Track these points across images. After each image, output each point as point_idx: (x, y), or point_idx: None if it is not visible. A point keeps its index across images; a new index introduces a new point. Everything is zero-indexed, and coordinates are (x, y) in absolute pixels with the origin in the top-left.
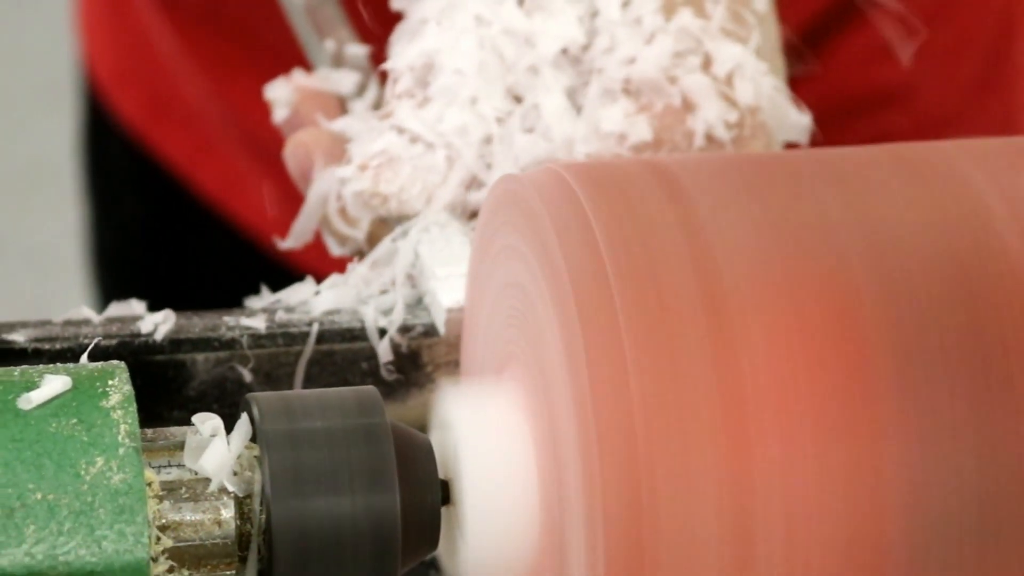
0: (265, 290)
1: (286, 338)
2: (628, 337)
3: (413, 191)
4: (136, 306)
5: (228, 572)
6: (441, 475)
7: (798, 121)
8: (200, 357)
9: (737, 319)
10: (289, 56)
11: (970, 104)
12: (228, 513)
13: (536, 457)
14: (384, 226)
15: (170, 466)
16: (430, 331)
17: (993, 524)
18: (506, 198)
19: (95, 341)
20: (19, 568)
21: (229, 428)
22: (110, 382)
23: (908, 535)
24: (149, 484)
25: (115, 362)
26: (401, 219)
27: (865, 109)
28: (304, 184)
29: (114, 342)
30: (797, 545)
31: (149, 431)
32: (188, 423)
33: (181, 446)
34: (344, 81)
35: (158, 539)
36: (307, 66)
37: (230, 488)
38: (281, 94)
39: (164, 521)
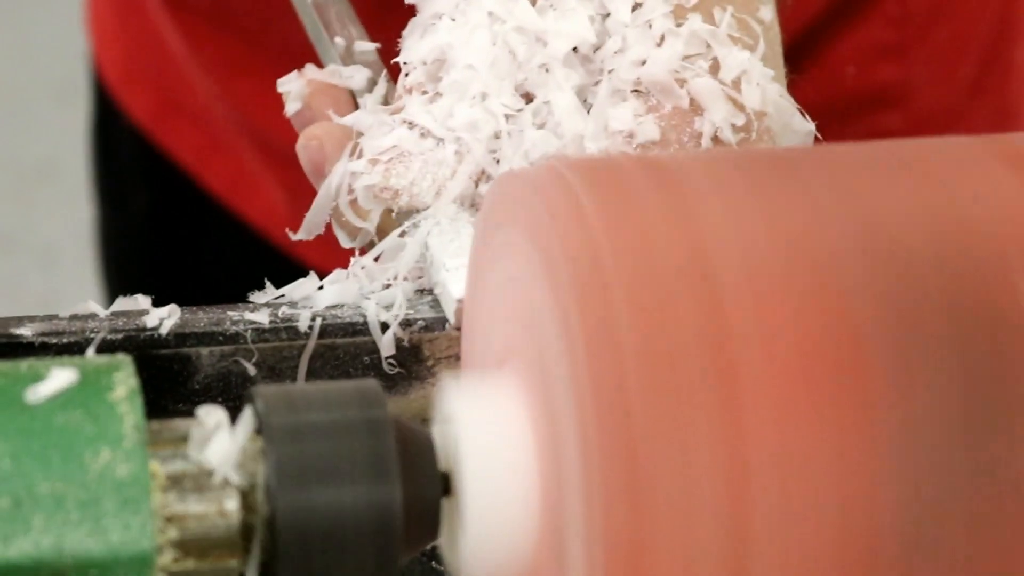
0: (269, 285)
1: (289, 332)
2: (625, 330)
3: (423, 185)
4: (142, 301)
5: (232, 562)
6: (442, 467)
7: (802, 127)
8: (205, 351)
9: (733, 312)
10: (297, 54)
11: (966, 104)
12: (232, 504)
13: (535, 449)
14: (393, 220)
15: (175, 458)
16: (431, 325)
17: (984, 518)
18: (506, 194)
19: (101, 335)
20: (26, 558)
21: (233, 421)
22: (116, 375)
23: (900, 529)
24: (154, 476)
25: (121, 356)
26: (411, 213)
27: (862, 109)
28: (316, 178)
29: (120, 336)
30: (791, 536)
31: (154, 423)
32: (193, 416)
33: (186, 438)
34: (355, 77)
35: (163, 530)
36: (316, 64)
37: (234, 480)
38: (293, 88)
39: (169, 512)
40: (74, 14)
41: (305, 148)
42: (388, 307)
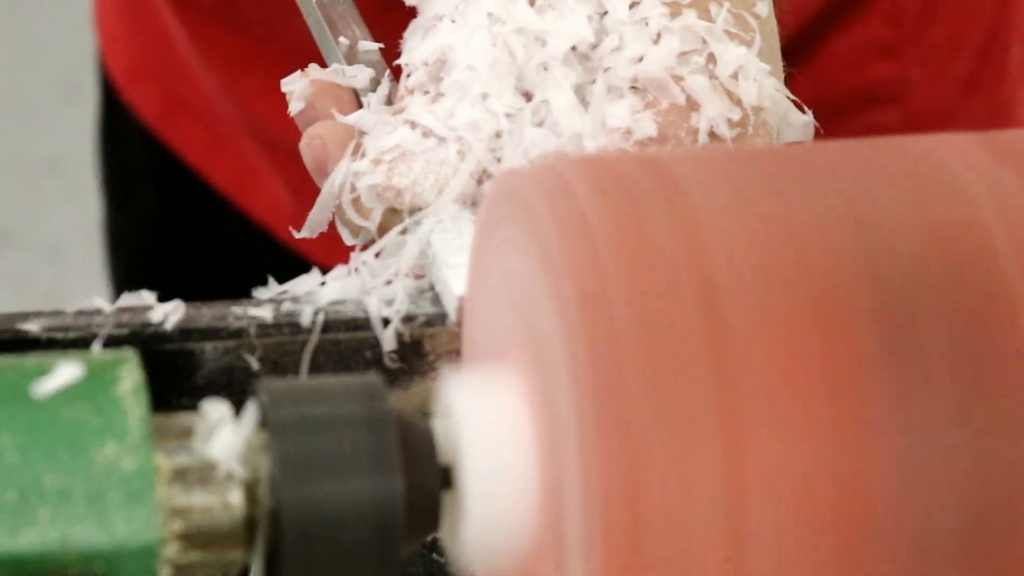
0: (272, 281)
1: (292, 328)
2: (623, 324)
3: (426, 184)
4: (147, 296)
5: (236, 554)
6: (443, 460)
7: (798, 120)
8: (209, 346)
9: (730, 310)
10: (302, 53)
11: (961, 102)
12: (236, 497)
13: (535, 442)
14: (396, 217)
15: (180, 451)
16: (432, 321)
17: (984, 517)
18: (506, 191)
19: (107, 330)
20: (33, 550)
21: (237, 415)
22: (121, 370)
23: (899, 532)
24: (159, 469)
25: (126, 350)
26: (414, 211)
27: (858, 106)
28: (319, 176)
29: (125, 331)
30: (787, 522)
31: (159, 417)
32: (197, 410)
33: (190, 432)
34: (359, 76)
35: (168, 522)
36: (320, 63)
37: (238, 473)
38: (296, 88)
39: (174, 505)
40: (82, 13)
41: (308, 147)
42: (389, 303)
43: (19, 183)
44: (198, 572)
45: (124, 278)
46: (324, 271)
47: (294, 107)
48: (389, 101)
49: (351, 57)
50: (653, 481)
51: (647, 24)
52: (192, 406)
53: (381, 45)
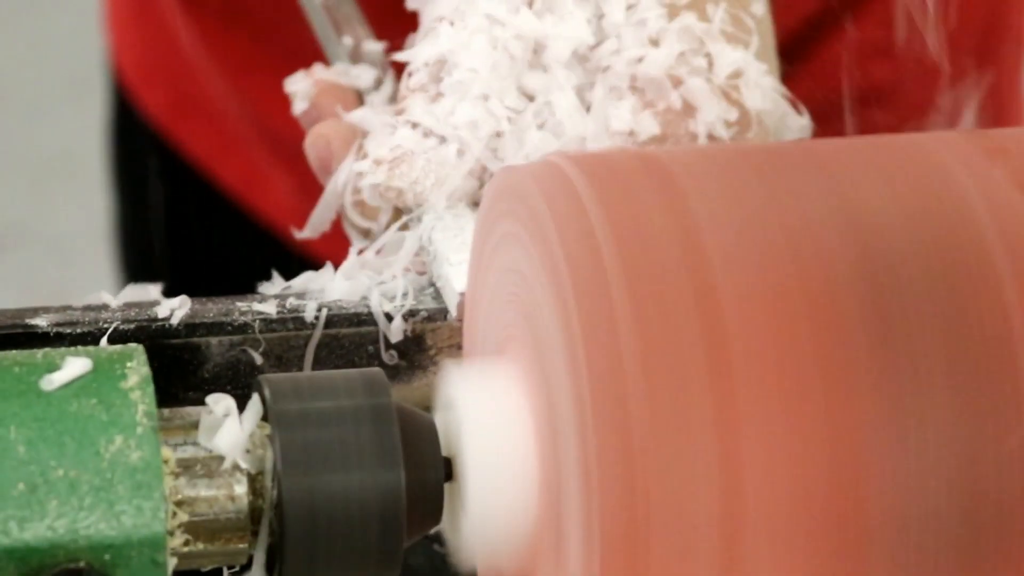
0: (277, 276)
1: (296, 322)
2: (621, 318)
3: (426, 183)
4: (153, 291)
5: (241, 545)
6: (444, 453)
7: (796, 123)
8: (214, 340)
9: (725, 302)
10: (307, 54)
11: (954, 101)
12: (241, 489)
13: (535, 435)
14: (398, 216)
15: (186, 444)
16: (434, 316)
17: (974, 508)
18: (506, 188)
19: (114, 325)
20: (42, 541)
21: (242, 408)
22: (128, 364)
23: (890, 523)
24: (166, 461)
25: (133, 345)
26: (416, 210)
27: (853, 107)
28: (324, 175)
29: (132, 326)
30: (782, 509)
31: (165, 411)
32: (203, 403)
33: (196, 425)
34: (362, 76)
35: (174, 514)
36: (324, 63)
37: (243, 465)
38: (301, 87)
39: (180, 497)
40: (90, 13)
41: (313, 146)
42: (391, 298)
43: (28, 180)
44: (203, 562)
45: (132, 274)
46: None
47: (298, 107)
48: (393, 100)
49: (355, 57)
50: (651, 474)
51: (645, 26)
52: (198, 400)
53: (385, 44)
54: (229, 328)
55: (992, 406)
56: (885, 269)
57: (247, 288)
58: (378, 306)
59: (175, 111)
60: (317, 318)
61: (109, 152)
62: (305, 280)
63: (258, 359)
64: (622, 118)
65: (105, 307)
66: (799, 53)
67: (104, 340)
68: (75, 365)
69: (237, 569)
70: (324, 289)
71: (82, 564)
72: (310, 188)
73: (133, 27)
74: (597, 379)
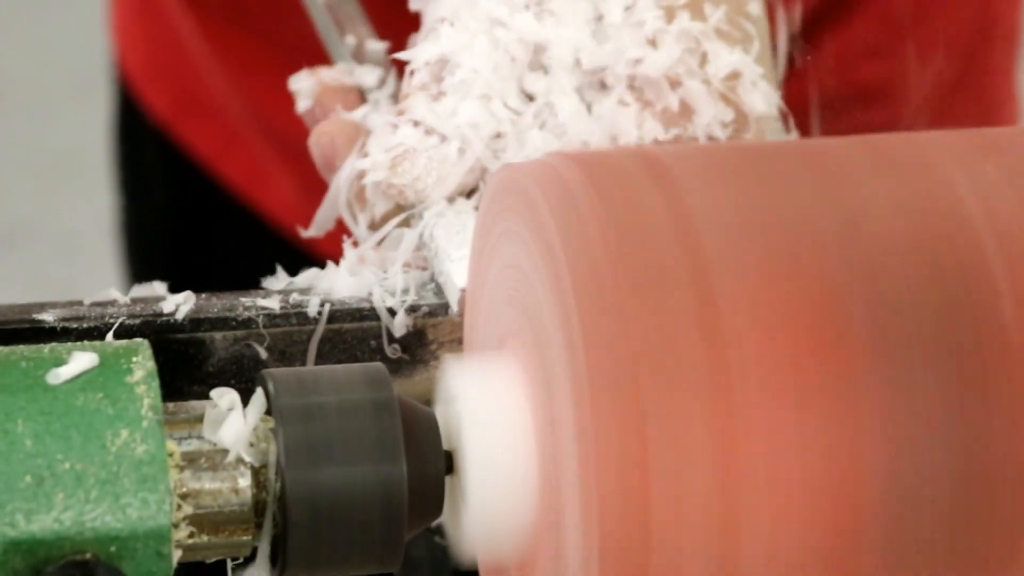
0: (280, 271)
1: (299, 318)
2: (619, 313)
3: (428, 181)
4: (158, 288)
5: (245, 537)
6: (445, 446)
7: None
8: (218, 335)
9: (723, 299)
10: (309, 53)
11: (948, 101)
12: (245, 482)
13: (534, 428)
14: (400, 211)
15: (190, 438)
16: (435, 311)
17: (964, 497)
18: (506, 185)
19: (120, 320)
20: (49, 533)
21: (246, 402)
22: (134, 359)
23: (884, 511)
24: (171, 455)
25: (139, 340)
26: (418, 207)
27: (847, 106)
28: (327, 172)
29: (138, 321)
30: (778, 500)
31: (171, 405)
32: (207, 397)
33: (201, 419)
34: (365, 75)
35: (179, 506)
36: (327, 63)
37: (247, 458)
38: (304, 86)
39: (185, 489)
40: (94, 14)
41: (317, 143)
42: (393, 293)
43: (35, 178)
44: (208, 554)
45: (137, 270)
46: (327, 263)
47: (302, 105)
48: (394, 99)
49: (358, 56)
50: (649, 467)
51: (643, 27)
52: (202, 394)
53: (387, 43)
54: (233, 323)
55: (985, 397)
56: (879, 264)
57: (250, 284)
58: (380, 301)
59: (179, 110)
60: (320, 313)
61: (114, 150)
62: (309, 277)
63: (262, 354)
64: (627, 131)
65: (111, 303)
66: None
67: (110, 335)
68: (81, 360)
69: (241, 561)
70: (336, 286)
71: (88, 556)
72: (313, 185)
73: (137, 27)
74: (595, 374)
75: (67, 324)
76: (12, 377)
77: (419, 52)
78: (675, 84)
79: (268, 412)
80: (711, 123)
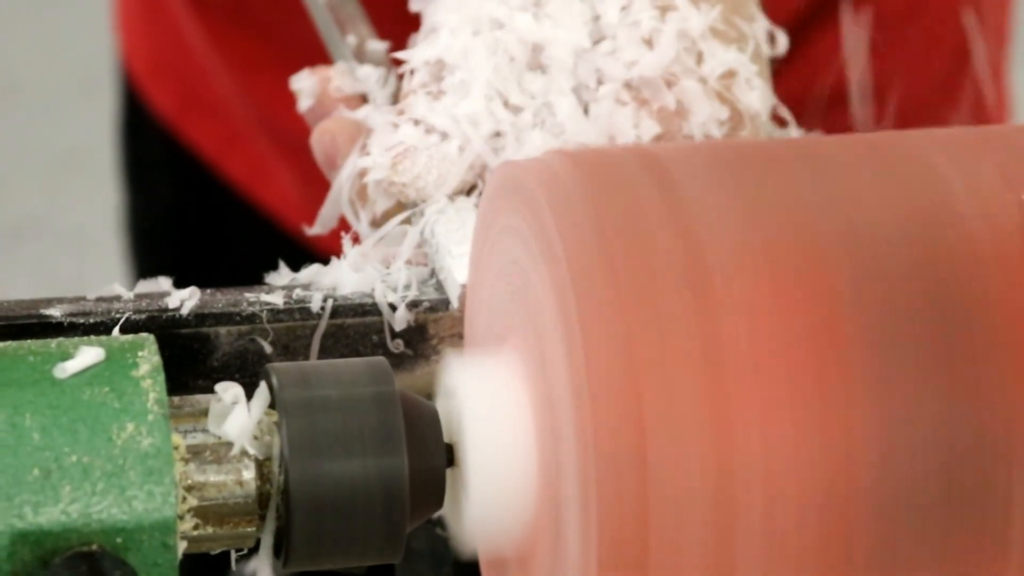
0: (283, 267)
1: (302, 313)
2: (619, 309)
3: (429, 179)
4: (163, 283)
5: (249, 529)
6: (446, 439)
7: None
8: (223, 330)
9: (719, 292)
10: (311, 53)
11: (939, 99)
12: (249, 474)
13: (534, 422)
14: (401, 210)
15: (195, 431)
16: (436, 306)
17: (956, 481)
18: (506, 182)
19: (126, 315)
20: (56, 525)
21: (250, 396)
22: (140, 353)
23: (877, 493)
24: (176, 448)
25: (144, 335)
26: (420, 205)
27: (841, 102)
28: (329, 170)
29: (143, 316)
30: (775, 500)
31: (176, 399)
32: (212, 391)
33: (205, 412)
34: (366, 74)
35: (184, 498)
36: (328, 62)
37: (251, 451)
38: (306, 85)
39: (190, 482)
40: (100, 13)
41: (319, 141)
42: (395, 289)
43: (42, 175)
44: (212, 546)
45: (142, 266)
46: (329, 260)
47: (303, 104)
48: (395, 99)
49: (359, 56)
50: (648, 461)
51: (638, 26)
52: (207, 388)
53: (388, 43)
54: (237, 318)
55: (975, 386)
56: (874, 257)
57: (254, 279)
58: (382, 297)
59: (183, 108)
60: (323, 308)
61: (119, 148)
62: (312, 273)
63: (266, 348)
64: (626, 132)
65: (117, 298)
66: (787, 51)
67: (116, 330)
68: (88, 354)
69: (245, 552)
70: (327, 280)
71: (95, 547)
72: (314, 183)
73: (142, 27)
74: (594, 368)
75: (74, 319)
76: (20, 371)
77: (417, 52)
78: (671, 83)
79: (272, 406)
80: (707, 121)
